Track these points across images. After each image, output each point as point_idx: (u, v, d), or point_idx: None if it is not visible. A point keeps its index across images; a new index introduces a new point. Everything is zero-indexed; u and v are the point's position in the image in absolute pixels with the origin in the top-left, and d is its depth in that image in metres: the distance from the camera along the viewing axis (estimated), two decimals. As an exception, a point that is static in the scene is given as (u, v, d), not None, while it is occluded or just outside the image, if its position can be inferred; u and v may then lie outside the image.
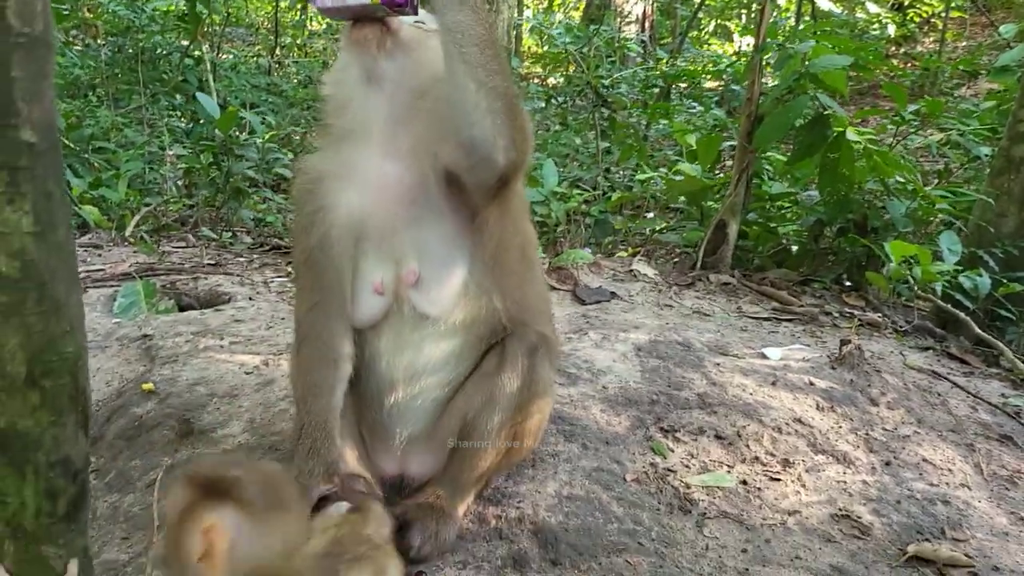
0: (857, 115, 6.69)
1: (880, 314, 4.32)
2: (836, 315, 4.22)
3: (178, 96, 9.15)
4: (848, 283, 5.10)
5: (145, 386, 2.78)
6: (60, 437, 1.17)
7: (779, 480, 2.49)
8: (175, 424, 2.58)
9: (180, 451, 2.48)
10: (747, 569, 2.12)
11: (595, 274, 4.43)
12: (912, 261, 4.17)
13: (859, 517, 2.37)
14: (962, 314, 4.08)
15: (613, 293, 4.08)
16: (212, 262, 4.91)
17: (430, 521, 2.09)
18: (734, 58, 10.56)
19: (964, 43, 12.81)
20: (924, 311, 4.53)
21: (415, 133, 2.01)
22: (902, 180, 4.94)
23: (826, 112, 4.62)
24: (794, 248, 5.51)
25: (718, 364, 3.05)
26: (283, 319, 3.55)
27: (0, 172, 1.04)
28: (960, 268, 4.43)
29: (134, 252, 5.12)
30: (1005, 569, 2.22)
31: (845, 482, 2.52)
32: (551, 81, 11.41)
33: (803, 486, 2.48)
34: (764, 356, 3.20)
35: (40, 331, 1.11)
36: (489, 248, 2.03)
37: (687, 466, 2.51)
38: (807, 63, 4.67)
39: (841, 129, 4.63)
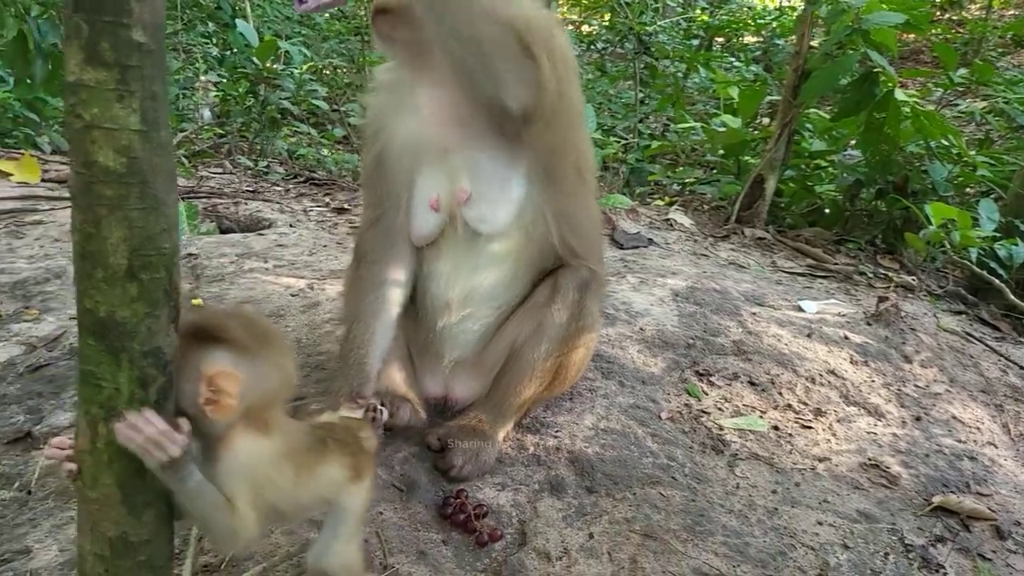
0: (903, 74, 6.58)
1: (914, 277, 4.33)
2: (870, 275, 4.23)
3: (211, 24, 9.13)
4: (883, 245, 5.10)
5: (195, 301, 2.85)
6: (154, 328, 1.23)
7: (810, 428, 2.55)
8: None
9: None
10: (776, 509, 2.19)
11: (632, 220, 4.45)
12: (951, 225, 4.16)
13: (887, 467, 2.42)
14: (996, 280, 4.08)
15: (651, 240, 4.10)
16: (251, 189, 4.96)
17: (472, 443, 2.17)
18: (776, 12, 10.38)
19: (1012, 11, 12.50)
20: (958, 277, 4.53)
21: None
22: (946, 144, 4.89)
23: (876, 70, 4.57)
24: (827, 210, 5.48)
25: (754, 314, 3.09)
26: (325, 247, 3.61)
27: (112, 70, 1.08)
28: (997, 236, 4.42)
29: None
30: (1028, 524, 2.27)
31: (875, 434, 2.57)
32: (585, 28, 11.27)
33: (834, 435, 2.54)
34: (800, 309, 3.23)
35: (141, 227, 1.16)
36: (539, 166, 2.08)
37: (720, 409, 2.56)
38: (859, 19, 4.60)
39: (889, 88, 4.58)
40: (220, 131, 7.13)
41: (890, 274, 4.36)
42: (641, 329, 2.86)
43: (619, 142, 6.06)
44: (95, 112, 1.09)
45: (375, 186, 2.16)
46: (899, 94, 4.56)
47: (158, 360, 1.25)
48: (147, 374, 1.24)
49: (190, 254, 3.44)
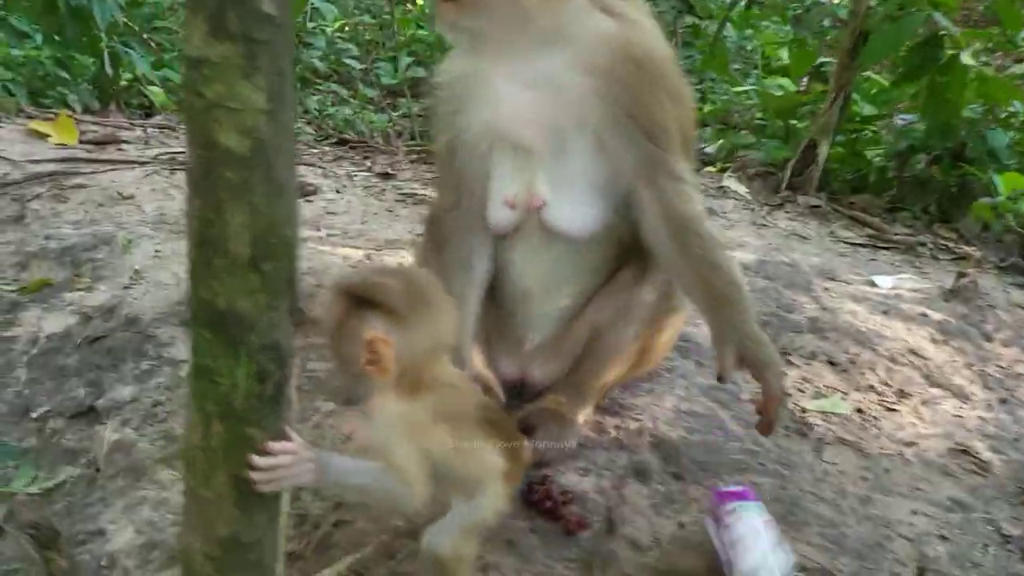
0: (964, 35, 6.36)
1: (974, 248, 4.20)
2: (931, 246, 4.11)
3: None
4: (937, 214, 4.95)
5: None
6: (274, 321, 1.15)
7: (895, 411, 2.46)
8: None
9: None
10: (869, 496, 2.11)
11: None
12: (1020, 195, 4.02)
13: (977, 453, 2.33)
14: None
15: (710, 209, 3.99)
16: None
17: (553, 426, 2.09)
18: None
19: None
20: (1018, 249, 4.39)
21: (562, 65, 1.86)
22: (1012, 110, 4.72)
23: (940, 33, 4.39)
24: (872, 177, 5.32)
25: (827, 289, 2.99)
26: (376, 214, 3.52)
27: (238, 44, 0.98)
28: (1061, 206, 4.29)
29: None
30: None
31: (961, 417, 2.48)
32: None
33: (920, 418, 2.45)
34: (873, 284, 3.12)
35: (265, 213, 1.07)
36: (637, 170, 1.91)
37: (801, 390, 2.48)
38: (923, -23, 4.41)
39: (954, 52, 4.40)
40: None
41: (949, 244, 4.23)
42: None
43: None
44: (219, 90, 1.00)
45: (449, 172, 2.03)
46: (965, 57, 4.39)
47: (277, 354, 1.17)
48: (265, 368, 1.16)
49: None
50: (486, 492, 1.48)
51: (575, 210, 1.92)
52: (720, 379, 1.91)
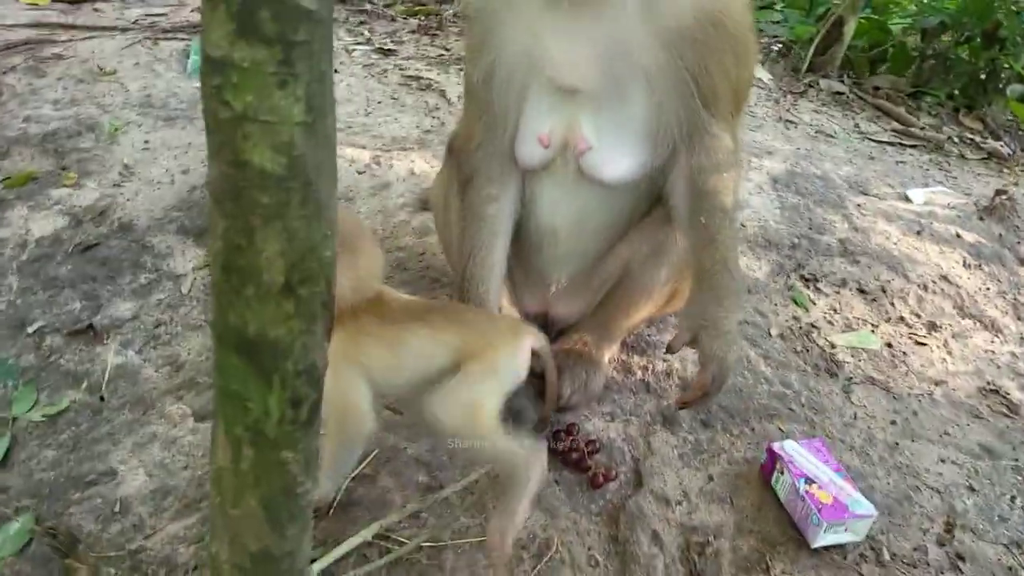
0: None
1: (1002, 143, 4.02)
2: (957, 140, 3.93)
3: None
4: (963, 100, 4.72)
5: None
6: (309, 345, 1.02)
7: (925, 345, 2.39)
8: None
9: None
10: (897, 443, 2.07)
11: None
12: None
13: (1007, 393, 2.28)
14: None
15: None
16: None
17: (579, 370, 2.00)
18: None
19: None
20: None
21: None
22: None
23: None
24: (893, 52, 5.02)
25: (859, 205, 2.85)
26: (379, 103, 3.29)
27: (273, 48, 0.80)
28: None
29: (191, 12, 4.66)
30: None
31: (993, 352, 2.41)
32: None
33: (949, 353, 2.38)
34: (907, 199, 2.98)
35: (303, 237, 0.92)
36: (690, 117, 1.73)
37: (831, 322, 2.39)
38: None
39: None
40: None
41: (976, 139, 4.06)
42: (743, 225, 2.63)
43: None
44: (249, 101, 0.82)
45: (480, 99, 1.82)
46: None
47: (311, 377, 1.05)
48: (300, 393, 1.04)
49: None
50: (472, 369, 1.54)
51: (617, 158, 1.75)
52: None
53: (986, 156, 3.79)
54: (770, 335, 2.28)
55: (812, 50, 4.63)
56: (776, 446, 1.85)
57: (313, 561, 1.54)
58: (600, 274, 2.03)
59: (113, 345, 2.24)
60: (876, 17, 5.17)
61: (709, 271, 1.77)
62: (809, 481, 1.78)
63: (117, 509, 1.79)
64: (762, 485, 1.87)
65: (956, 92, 4.81)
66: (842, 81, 4.48)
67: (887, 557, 1.78)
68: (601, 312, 2.06)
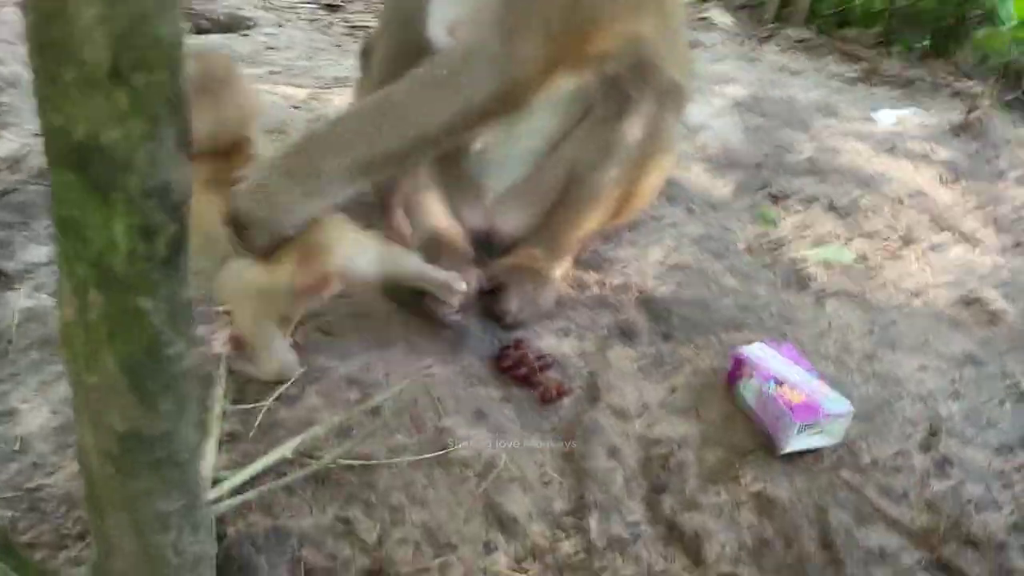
0: None
1: (973, 82, 3.91)
2: (928, 80, 3.81)
3: None
4: (932, 50, 4.62)
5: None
6: (157, 156, 0.84)
7: (901, 258, 2.24)
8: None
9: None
10: (874, 353, 1.92)
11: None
12: (1027, 23, 3.69)
13: (989, 302, 2.14)
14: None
15: (694, 42, 3.62)
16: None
17: (526, 284, 1.84)
18: None
19: None
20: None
21: None
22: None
23: None
24: (859, 10, 4.92)
25: (827, 126, 2.71)
26: (323, 50, 3.12)
27: None
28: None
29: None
30: None
31: (972, 262, 2.27)
32: None
33: (927, 265, 2.24)
34: (875, 120, 2.84)
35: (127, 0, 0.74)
36: None
37: (801, 237, 2.24)
38: None
39: None
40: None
41: (948, 80, 3.94)
42: (703, 146, 2.48)
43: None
44: None
45: None
46: None
47: (165, 201, 0.87)
48: (152, 220, 0.86)
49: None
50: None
51: None
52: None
53: (956, 93, 3.67)
54: (736, 250, 2.12)
55: (777, 1, 4.51)
56: (742, 350, 1.70)
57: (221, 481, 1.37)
58: (544, 181, 1.87)
59: (24, 289, 2.05)
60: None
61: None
62: (778, 382, 1.62)
63: (16, 448, 1.61)
64: (729, 395, 1.72)
65: (925, 42, 4.71)
66: (809, 30, 4.36)
67: (867, 462, 1.63)
68: (549, 224, 1.90)
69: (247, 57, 2.98)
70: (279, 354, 1.59)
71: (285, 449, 1.43)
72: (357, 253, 1.54)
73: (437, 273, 1.65)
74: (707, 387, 1.74)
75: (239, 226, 1.48)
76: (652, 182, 1.90)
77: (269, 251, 1.49)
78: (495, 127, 1.72)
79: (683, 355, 1.81)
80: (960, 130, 2.76)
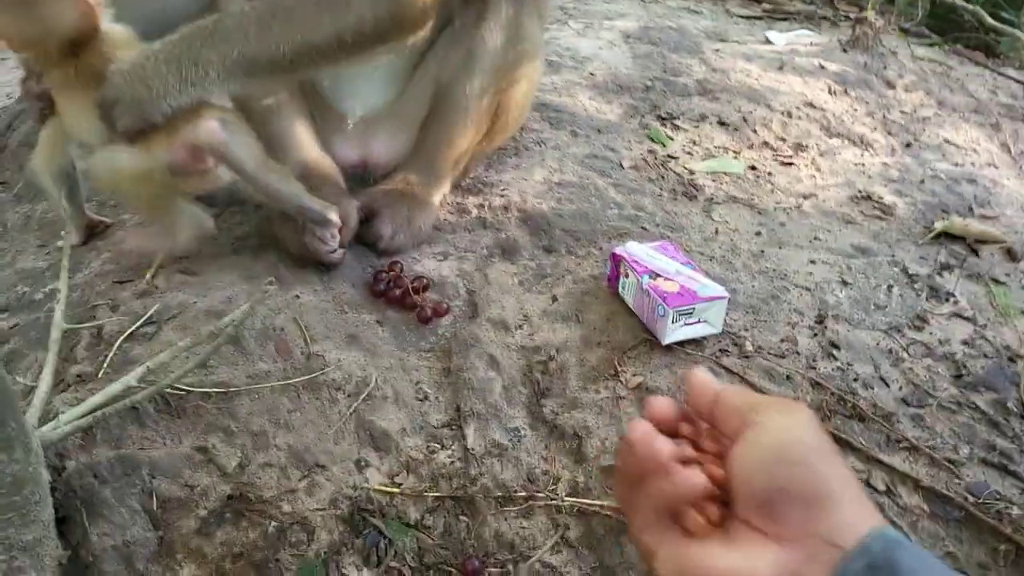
0: None
1: (876, 13, 3.93)
2: (832, 18, 3.81)
3: None
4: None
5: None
6: None
7: (791, 164, 2.22)
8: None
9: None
10: (762, 251, 1.89)
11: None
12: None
13: (880, 198, 2.13)
14: (969, 4, 3.69)
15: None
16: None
17: (401, 208, 1.77)
18: None
19: None
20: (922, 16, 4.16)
21: None
22: None
23: None
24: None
25: (717, 50, 2.69)
26: None
27: None
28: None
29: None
30: (1039, 243, 2.03)
31: (863, 164, 2.26)
32: None
33: (818, 170, 2.22)
34: (768, 41, 2.83)
35: None
36: None
37: (690, 153, 2.21)
38: None
39: None
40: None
41: (851, 15, 3.95)
42: (591, 74, 2.44)
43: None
44: None
45: None
46: None
47: None
48: None
49: None
50: None
51: None
52: None
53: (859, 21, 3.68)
54: (622, 166, 2.09)
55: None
56: (619, 249, 1.65)
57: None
58: (412, 100, 1.82)
59: None
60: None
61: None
62: (654, 275, 1.58)
63: None
64: (611, 298, 1.67)
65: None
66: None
67: (751, 349, 1.60)
68: (422, 147, 1.85)
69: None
70: (186, 215, 1.59)
71: (130, 378, 1.35)
72: (235, 136, 1.51)
73: (314, 203, 1.60)
74: (589, 293, 1.69)
75: (108, 106, 1.44)
76: (521, 94, 1.85)
77: (138, 136, 1.46)
78: (382, 56, 1.68)
79: (565, 266, 1.76)
80: (849, 45, 2.76)
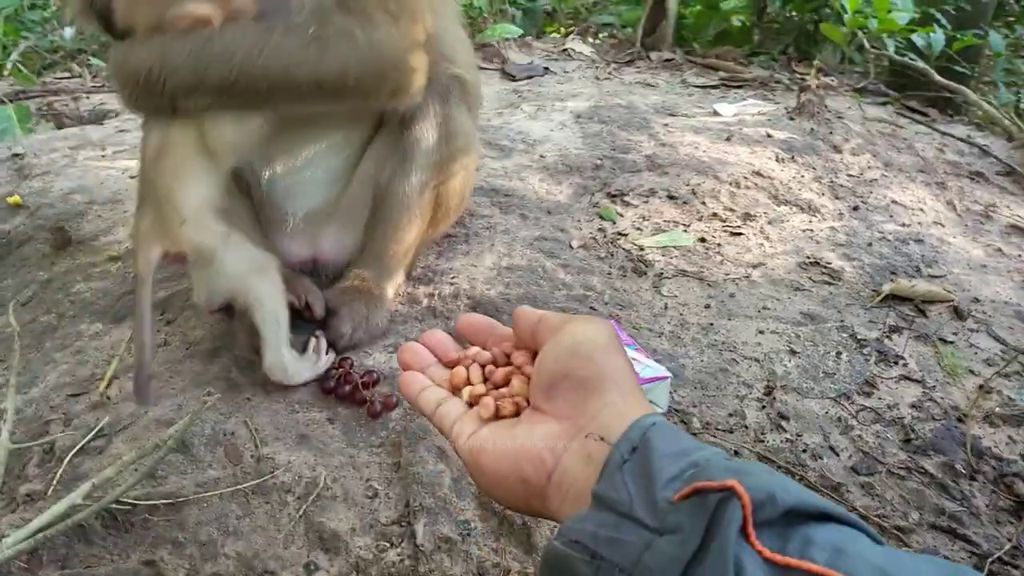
0: None
1: (832, 78, 4.04)
2: (787, 81, 3.93)
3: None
4: (795, 54, 4.81)
5: (11, 199, 2.38)
6: None
7: (740, 234, 2.27)
8: (49, 236, 2.21)
9: (57, 264, 2.13)
10: (711, 324, 1.92)
11: (525, 53, 4.01)
12: (867, 13, 3.85)
13: (828, 263, 2.17)
14: (921, 63, 3.80)
15: (547, 68, 3.70)
16: (98, 85, 4.36)
17: (359, 306, 1.81)
18: None
19: None
20: (877, 73, 4.27)
21: None
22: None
23: None
24: (736, 22, 5.13)
25: (666, 125, 2.76)
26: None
27: None
28: (912, 28, 4.16)
29: (11, 86, 4.52)
30: (985, 300, 2.06)
31: (811, 230, 2.30)
32: None
33: (766, 238, 2.26)
34: (716, 113, 2.91)
35: None
36: None
37: (639, 228, 2.25)
38: None
39: None
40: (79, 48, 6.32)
41: (807, 78, 4.06)
42: (541, 156, 2.51)
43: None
44: None
45: None
46: None
47: None
48: None
49: (15, 155, 2.92)
50: None
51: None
52: None
53: (817, 74, 3.78)
54: (571, 247, 2.13)
55: (641, 30, 4.65)
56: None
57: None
58: (353, 200, 1.86)
59: None
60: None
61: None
62: (595, 358, 1.60)
63: None
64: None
65: (790, 48, 4.90)
66: (674, 52, 4.49)
67: (698, 426, 1.61)
68: (371, 243, 1.89)
69: (97, 142, 2.97)
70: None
71: (75, 496, 1.36)
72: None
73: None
74: (537, 378, 1.71)
75: None
76: (458, 184, 1.90)
77: None
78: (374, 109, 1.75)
79: (515, 351, 1.78)
80: (795, 113, 2.84)
